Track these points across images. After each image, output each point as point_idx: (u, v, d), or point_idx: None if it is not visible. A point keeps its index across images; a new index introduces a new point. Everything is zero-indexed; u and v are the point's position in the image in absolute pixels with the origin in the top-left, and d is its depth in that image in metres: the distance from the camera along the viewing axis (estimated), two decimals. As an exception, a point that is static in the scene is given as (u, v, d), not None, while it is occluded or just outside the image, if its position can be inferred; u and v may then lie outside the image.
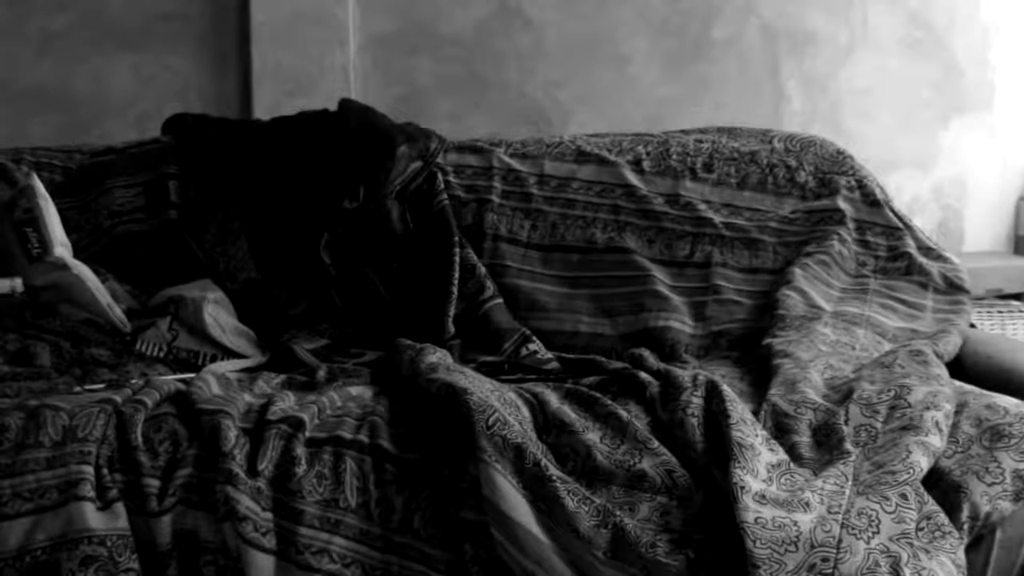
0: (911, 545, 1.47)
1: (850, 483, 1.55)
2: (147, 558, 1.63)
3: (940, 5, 3.10)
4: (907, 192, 3.13)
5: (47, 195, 2.24)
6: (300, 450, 1.68)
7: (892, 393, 1.73)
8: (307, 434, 1.71)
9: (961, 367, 1.99)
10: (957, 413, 1.70)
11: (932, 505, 1.54)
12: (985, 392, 1.78)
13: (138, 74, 2.89)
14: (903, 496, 1.52)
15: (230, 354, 2.20)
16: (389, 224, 2.36)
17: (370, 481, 1.67)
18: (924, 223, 3.11)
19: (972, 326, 2.20)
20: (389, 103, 2.67)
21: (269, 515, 1.63)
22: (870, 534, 1.47)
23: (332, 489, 1.66)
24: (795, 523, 1.48)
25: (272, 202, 2.38)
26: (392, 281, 2.33)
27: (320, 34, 2.87)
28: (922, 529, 1.51)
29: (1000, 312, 2.73)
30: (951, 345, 2.00)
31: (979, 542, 1.58)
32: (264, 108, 2.81)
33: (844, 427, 1.67)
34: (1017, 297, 2.87)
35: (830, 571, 1.43)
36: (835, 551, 1.45)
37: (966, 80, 3.13)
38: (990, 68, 3.14)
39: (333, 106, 2.51)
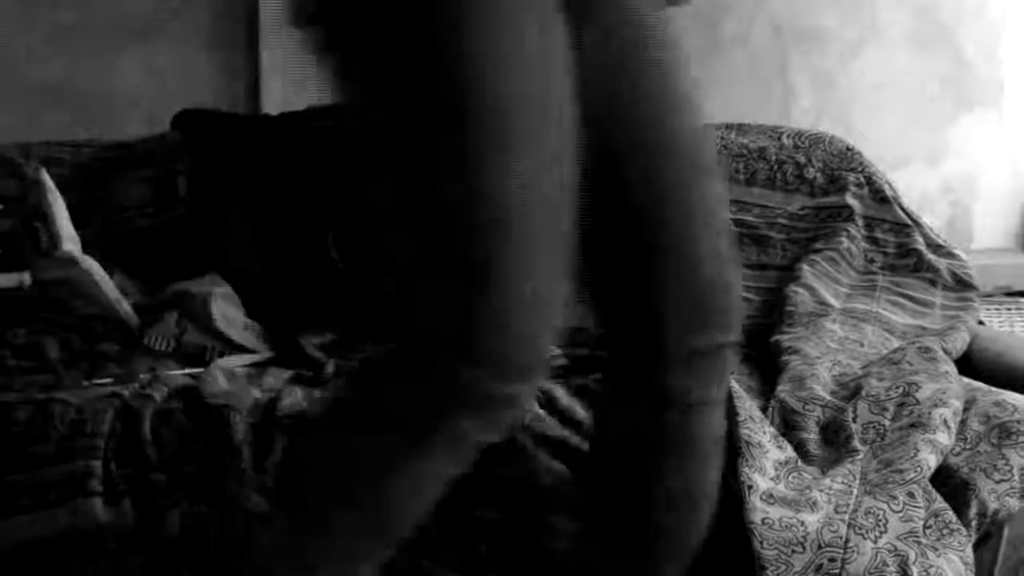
0: (919, 543, 1.47)
1: (857, 482, 1.55)
2: (155, 552, 1.63)
3: (949, 0, 3.09)
4: (916, 188, 3.12)
5: (56, 190, 2.25)
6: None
7: (900, 390, 1.73)
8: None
9: (970, 364, 1.98)
10: (965, 410, 1.69)
11: (940, 503, 1.54)
12: (993, 389, 1.77)
13: (148, 69, 2.89)
14: (910, 495, 1.52)
15: (238, 349, 2.20)
16: None
17: None
18: (933, 220, 3.09)
19: (981, 323, 2.19)
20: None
21: (277, 511, 1.63)
22: (877, 533, 1.47)
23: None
24: (802, 523, 1.48)
25: (280, 197, 2.38)
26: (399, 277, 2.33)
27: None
28: (930, 527, 1.50)
29: (1009, 309, 2.73)
30: (959, 342, 2.00)
31: (987, 540, 1.57)
32: (273, 103, 2.81)
33: (852, 424, 1.67)
34: (1025, 295, 2.87)
35: (837, 571, 1.43)
36: (842, 551, 1.44)
37: (975, 76, 3.12)
38: (999, 63, 3.13)
39: (342, 102, 2.51)
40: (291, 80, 2.84)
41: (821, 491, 1.53)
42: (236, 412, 1.72)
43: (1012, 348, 2.00)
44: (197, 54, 2.90)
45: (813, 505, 1.50)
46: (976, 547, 1.55)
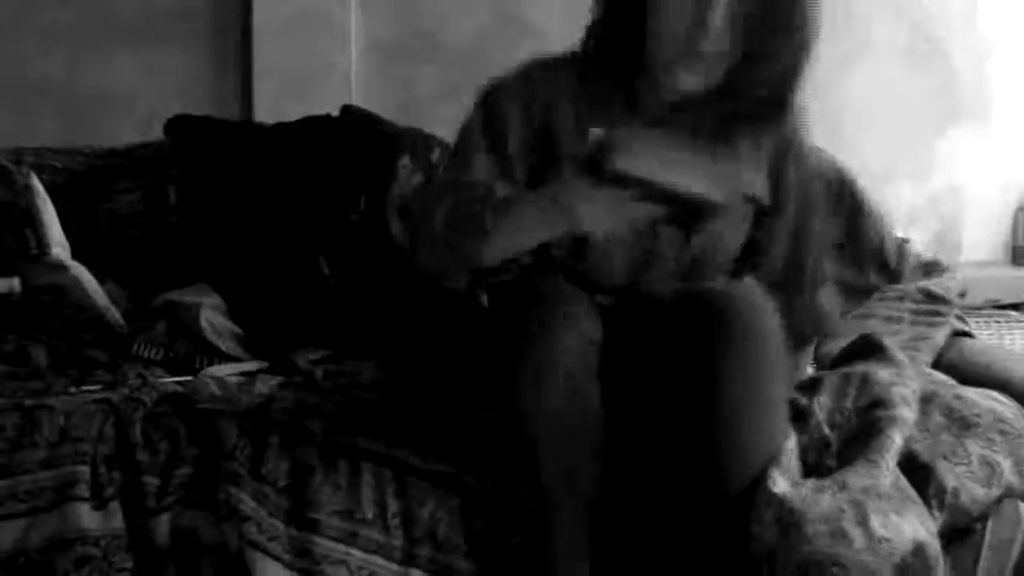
0: (879, 498, 1.49)
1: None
2: (145, 557, 1.63)
3: (939, 16, 3.11)
4: (905, 201, 3.13)
5: (46, 195, 2.24)
6: (314, 458, 1.68)
7: (859, 376, 1.77)
8: (319, 440, 1.71)
9: (959, 376, 1.98)
10: (928, 402, 1.73)
11: (903, 480, 1.57)
12: (955, 384, 1.83)
13: (142, 72, 2.88)
14: (870, 461, 1.55)
15: (227, 359, 2.19)
16: (389, 236, 2.35)
17: (388, 493, 1.66)
18: (921, 233, 3.11)
19: (969, 335, 2.19)
20: (390, 108, 2.66)
21: (276, 520, 1.63)
22: (836, 489, 1.50)
23: (349, 500, 1.65)
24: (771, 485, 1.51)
25: (272, 210, 2.37)
26: (392, 293, 2.32)
27: (322, 37, 2.87)
28: (893, 497, 1.52)
29: (998, 322, 2.73)
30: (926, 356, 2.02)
31: (967, 539, 1.59)
32: (265, 109, 2.81)
33: (820, 413, 1.70)
34: (1014, 307, 2.87)
35: (796, 520, 1.45)
36: (800, 502, 1.47)
37: (964, 90, 3.13)
38: (988, 79, 3.15)
39: (334, 109, 2.51)
40: (283, 86, 2.85)
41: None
42: (228, 417, 1.72)
43: (1001, 360, 2.01)
44: (191, 57, 2.90)
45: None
46: (957, 549, 1.58)
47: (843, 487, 1.50)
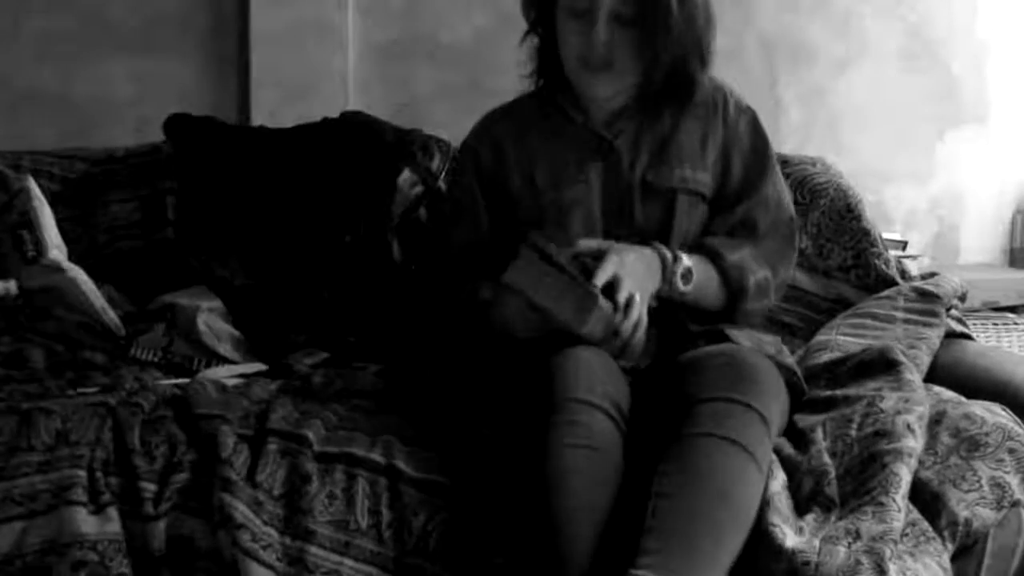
0: (895, 543, 1.47)
1: (833, 518, 1.56)
2: (141, 563, 1.63)
3: (937, 19, 3.11)
4: (903, 204, 3.13)
5: (43, 198, 2.24)
6: (310, 467, 1.67)
7: (864, 402, 1.75)
8: (316, 449, 1.70)
9: (958, 379, 1.97)
10: (936, 423, 1.70)
11: (915, 513, 1.56)
12: (963, 400, 1.79)
13: (138, 78, 2.88)
14: (880, 504, 1.53)
15: (225, 362, 2.18)
16: (389, 254, 2.34)
17: (382, 502, 1.66)
18: (920, 236, 3.11)
19: (969, 337, 2.18)
20: (388, 110, 2.66)
21: (270, 529, 1.62)
22: (850, 540, 1.48)
23: (344, 509, 1.65)
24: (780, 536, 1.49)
25: (270, 225, 2.36)
26: (392, 310, 2.30)
27: (320, 41, 2.87)
28: (906, 535, 1.51)
29: (995, 324, 2.73)
30: (923, 364, 1.99)
31: (970, 550, 1.58)
32: (263, 114, 2.81)
33: (822, 441, 1.68)
34: (1013, 310, 2.87)
35: (812, 573, 1.44)
36: (816, 555, 1.46)
37: (963, 93, 3.14)
38: (986, 82, 3.15)
39: (332, 114, 2.50)
40: (281, 90, 2.85)
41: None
42: (226, 423, 1.72)
43: (1000, 363, 1.99)
44: (188, 63, 2.90)
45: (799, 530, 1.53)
46: (960, 558, 1.56)
47: (856, 536, 1.48)
